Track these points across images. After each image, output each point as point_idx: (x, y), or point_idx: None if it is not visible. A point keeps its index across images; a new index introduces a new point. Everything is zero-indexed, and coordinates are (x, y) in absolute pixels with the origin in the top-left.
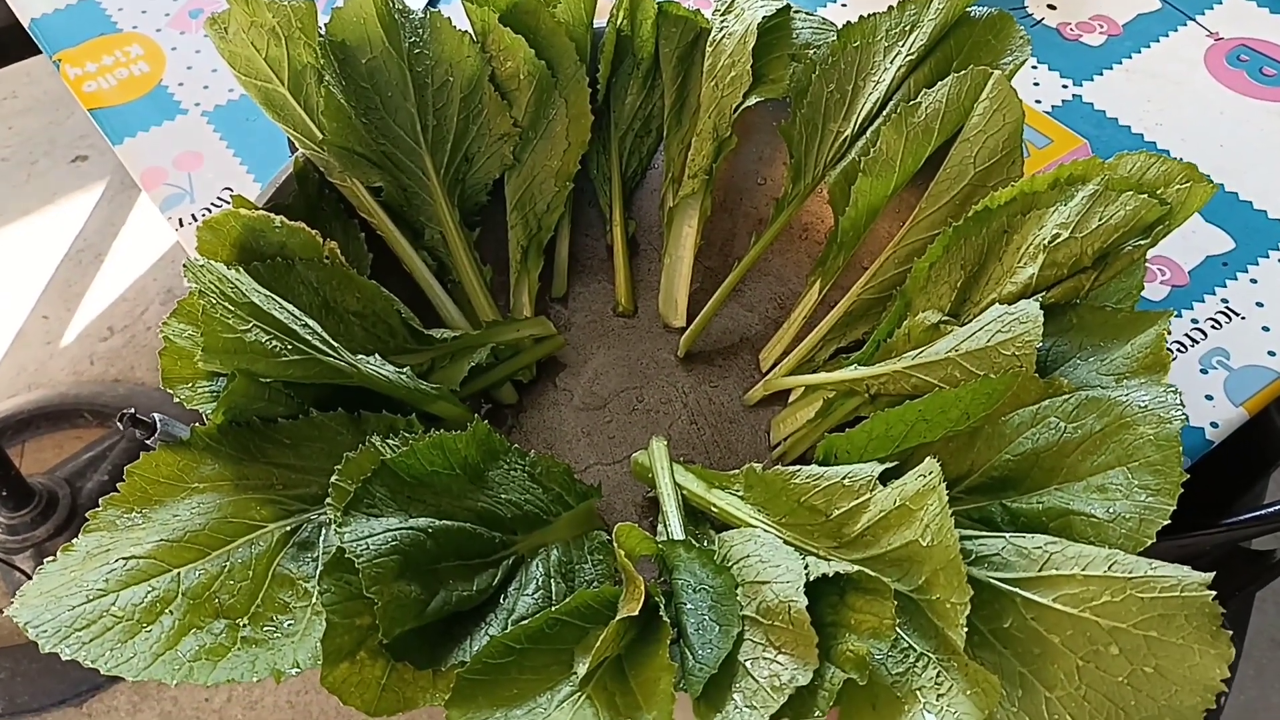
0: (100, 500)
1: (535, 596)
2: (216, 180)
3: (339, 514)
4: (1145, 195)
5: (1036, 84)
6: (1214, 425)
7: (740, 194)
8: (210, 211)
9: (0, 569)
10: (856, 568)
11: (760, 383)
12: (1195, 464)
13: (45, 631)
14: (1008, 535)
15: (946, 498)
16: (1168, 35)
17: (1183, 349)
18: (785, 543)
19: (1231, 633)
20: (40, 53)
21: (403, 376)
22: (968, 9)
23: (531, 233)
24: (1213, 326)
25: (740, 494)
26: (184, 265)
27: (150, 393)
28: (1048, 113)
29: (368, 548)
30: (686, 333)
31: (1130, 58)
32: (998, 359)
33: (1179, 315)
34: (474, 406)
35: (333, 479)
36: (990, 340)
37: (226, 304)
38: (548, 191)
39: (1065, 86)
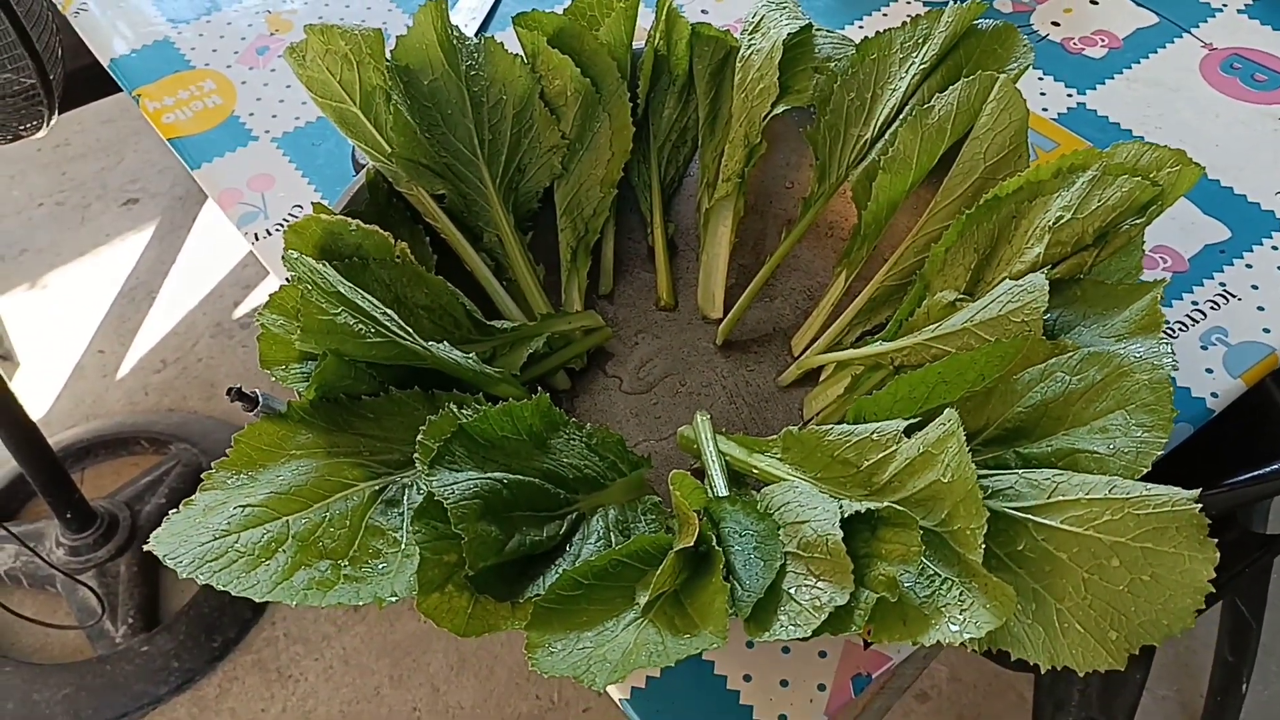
0: (212, 463)
1: (598, 545)
2: (287, 199)
3: (426, 466)
4: (1139, 178)
5: (1043, 94)
6: (1214, 395)
7: (770, 197)
8: (282, 227)
9: (63, 589)
10: (883, 504)
11: (794, 364)
12: (1197, 432)
13: (182, 562)
14: (1019, 471)
15: (964, 439)
16: (1165, 47)
17: (1184, 328)
18: (821, 492)
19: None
20: (99, 97)
21: (470, 360)
22: (975, 22)
23: (579, 235)
24: (1211, 307)
25: (778, 455)
26: (282, 256)
27: (203, 420)
28: (1054, 119)
29: (454, 492)
30: (724, 322)
31: (1130, 68)
32: (1008, 326)
33: (1180, 298)
34: (531, 392)
35: (419, 438)
36: (1001, 310)
37: (320, 290)
38: (593, 198)
39: (1070, 95)
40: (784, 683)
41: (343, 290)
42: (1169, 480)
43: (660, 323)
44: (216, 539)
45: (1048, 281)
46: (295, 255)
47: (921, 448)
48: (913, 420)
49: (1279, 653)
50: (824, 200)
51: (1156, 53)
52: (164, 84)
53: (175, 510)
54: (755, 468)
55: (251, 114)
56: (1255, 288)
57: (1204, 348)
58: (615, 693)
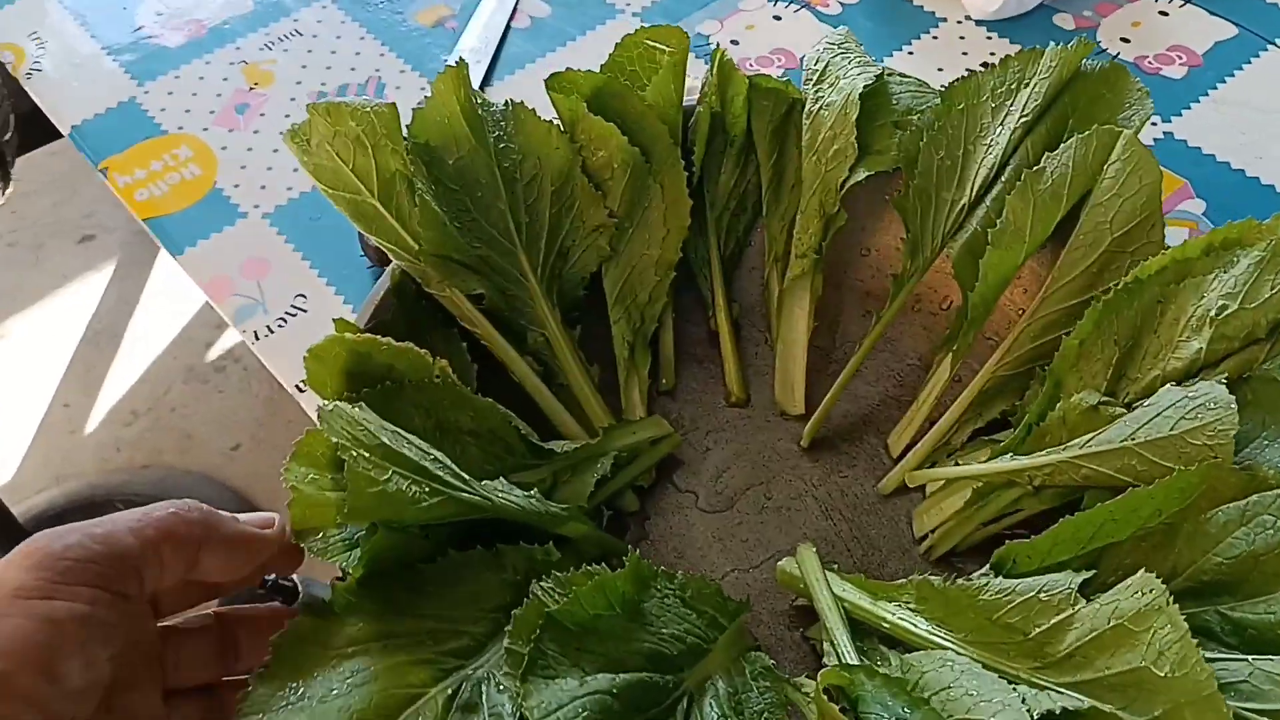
0: (249, 678)
1: None
2: (288, 286)
3: (519, 683)
4: None
5: None
6: None
7: (845, 267)
8: (285, 322)
9: None
10: (1087, 701)
11: (896, 471)
12: None
13: None
14: (1251, 659)
15: (1182, 621)
16: (1250, 62)
17: None
18: (986, 666)
19: None
20: (53, 139)
21: (534, 502)
22: (1081, 63)
23: (636, 326)
24: None
25: (912, 606)
26: (318, 411)
27: (180, 476)
28: None
29: None
30: (811, 421)
31: (1216, 88)
32: (1185, 449)
33: None
34: (596, 518)
35: (506, 643)
36: (1174, 428)
37: (365, 453)
38: (649, 281)
39: (1154, 124)
40: None
41: (386, 441)
42: None
43: (733, 422)
44: None
45: (1228, 389)
46: (331, 408)
47: (1112, 619)
48: (1074, 567)
49: None
50: (919, 276)
51: (1241, 69)
52: (133, 153)
53: None
54: (885, 620)
55: (236, 185)
56: None
57: None
58: None
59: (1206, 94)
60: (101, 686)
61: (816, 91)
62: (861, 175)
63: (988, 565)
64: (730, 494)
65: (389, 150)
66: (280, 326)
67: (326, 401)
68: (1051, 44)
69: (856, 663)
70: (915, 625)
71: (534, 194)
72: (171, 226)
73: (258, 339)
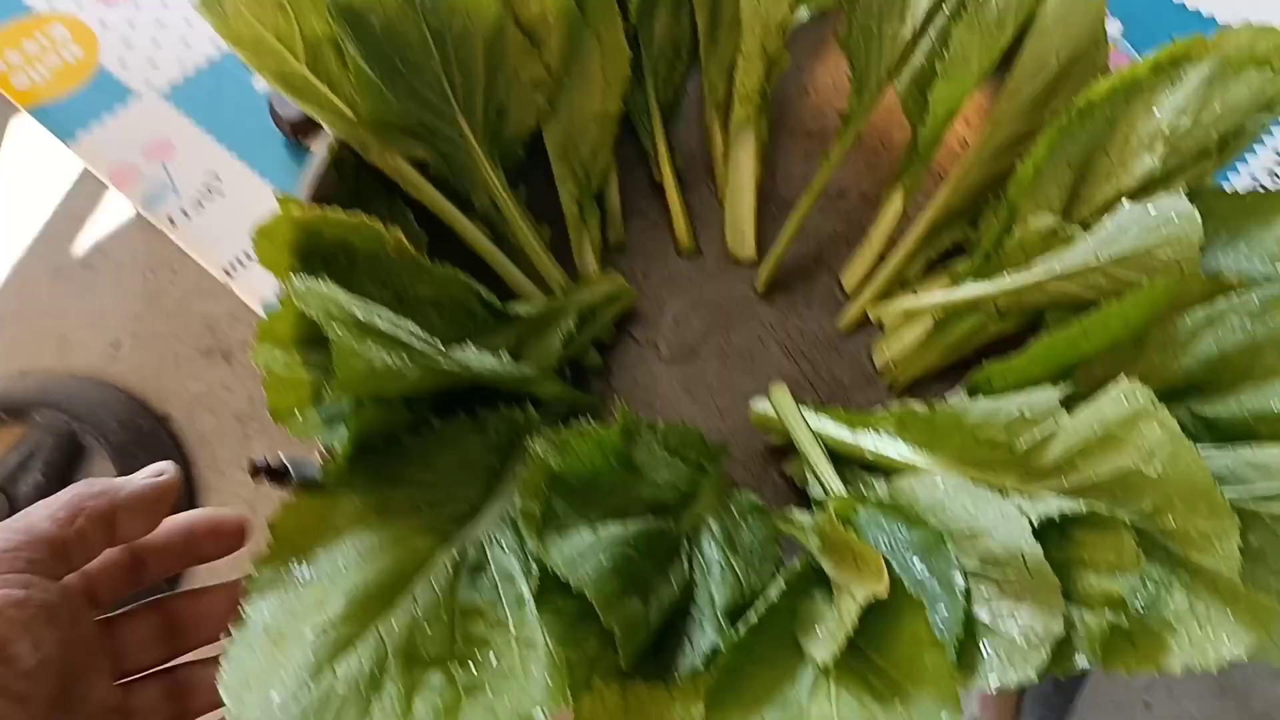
0: (253, 564)
1: (725, 580)
2: (199, 166)
3: (537, 541)
4: (1266, 70)
5: None
6: None
7: (784, 107)
8: (202, 205)
9: None
10: (1085, 504)
11: (855, 306)
12: None
13: None
14: (1233, 450)
15: (1173, 421)
16: None
17: None
18: (975, 481)
19: None
20: None
21: (508, 366)
22: None
23: (582, 183)
24: None
25: (892, 434)
26: (291, 292)
27: (64, 380)
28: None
29: (588, 574)
30: (765, 265)
31: None
32: (1151, 262)
33: None
34: (560, 378)
35: (519, 505)
36: (1139, 243)
37: (347, 328)
38: (590, 137)
39: None
40: None
41: (359, 315)
42: None
43: (686, 272)
44: (312, 678)
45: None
46: (305, 287)
47: (1099, 428)
48: (1049, 384)
49: None
50: (865, 114)
51: None
52: (3, 36)
53: (230, 639)
54: (867, 451)
55: (124, 65)
56: None
57: None
58: None
59: None
60: (53, 667)
61: None
62: (804, 14)
63: (959, 388)
64: (691, 343)
65: (311, 12)
66: (199, 210)
67: (289, 279)
68: None
69: (844, 492)
70: (899, 452)
71: (466, 52)
72: (59, 113)
73: (174, 224)
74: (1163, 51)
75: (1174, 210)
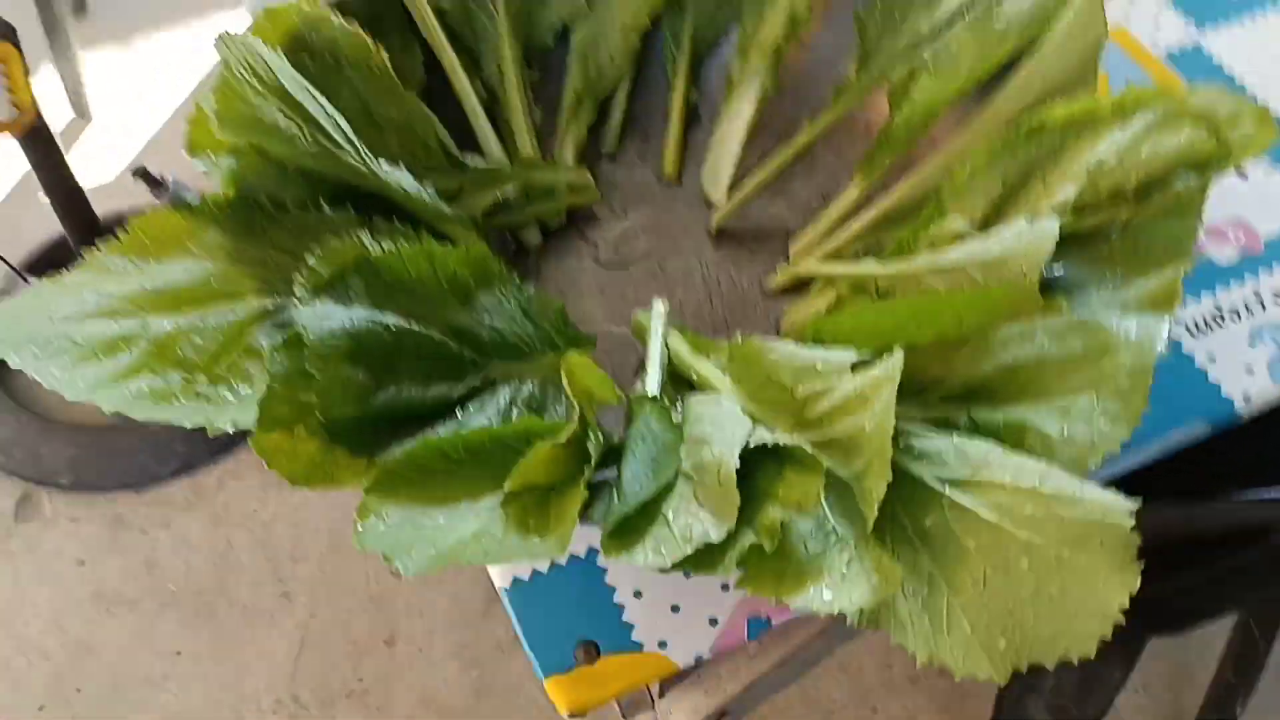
0: (98, 243)
1: (492, 418)
2: None
3: (306, 293)
4: (1203, 130)
5: (1159, 26)
6: (1246, 400)
7: (812, 82)
8: None
9: None
10: (795, 441)
11: (786, 271)
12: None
13: (4, 340)
14: (955, 437)
15: (896, 386)
16: None
17: (1236, 317)
18: (745, 413)
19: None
20: None
21: (422, 190)
22: None
23: (590, 81)
24: (1276, 301)
25: (722, 364)
26: (217, 36)
27: None
28: (1163, 57)
29: (321, 327)
30: (722, 208)
31: (1265, 10)
32: (1006, 271)
33: (1242, 281)
34: (500, 241)
35: (309, 260)
36: (1003, 251)
37: (253, 79)
38: (613, 43)
39: (1188, 27)
40: (675, 608)
41: (287, 85)
42: (1173, 481)
43: (658, 196)
44: (54, 323)
45: (1060, 228)
46: (236, 37)
47: (859, 387)
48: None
49: None
50: (860, 93)
51: None
52: None
53: (36, 280)
54: (697, 372)
55: None
56: None
57: (1252, 344)
58: (498, 579)
59: (1253, 11)
60: None
61: None
62: None
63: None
64: (629, 257)
65: None
66: None
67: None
68: None
69: (654, 394)
70: (716, 377)
71: None
72: None
73: None
74: (1129, 92)
75: (1040, 228)
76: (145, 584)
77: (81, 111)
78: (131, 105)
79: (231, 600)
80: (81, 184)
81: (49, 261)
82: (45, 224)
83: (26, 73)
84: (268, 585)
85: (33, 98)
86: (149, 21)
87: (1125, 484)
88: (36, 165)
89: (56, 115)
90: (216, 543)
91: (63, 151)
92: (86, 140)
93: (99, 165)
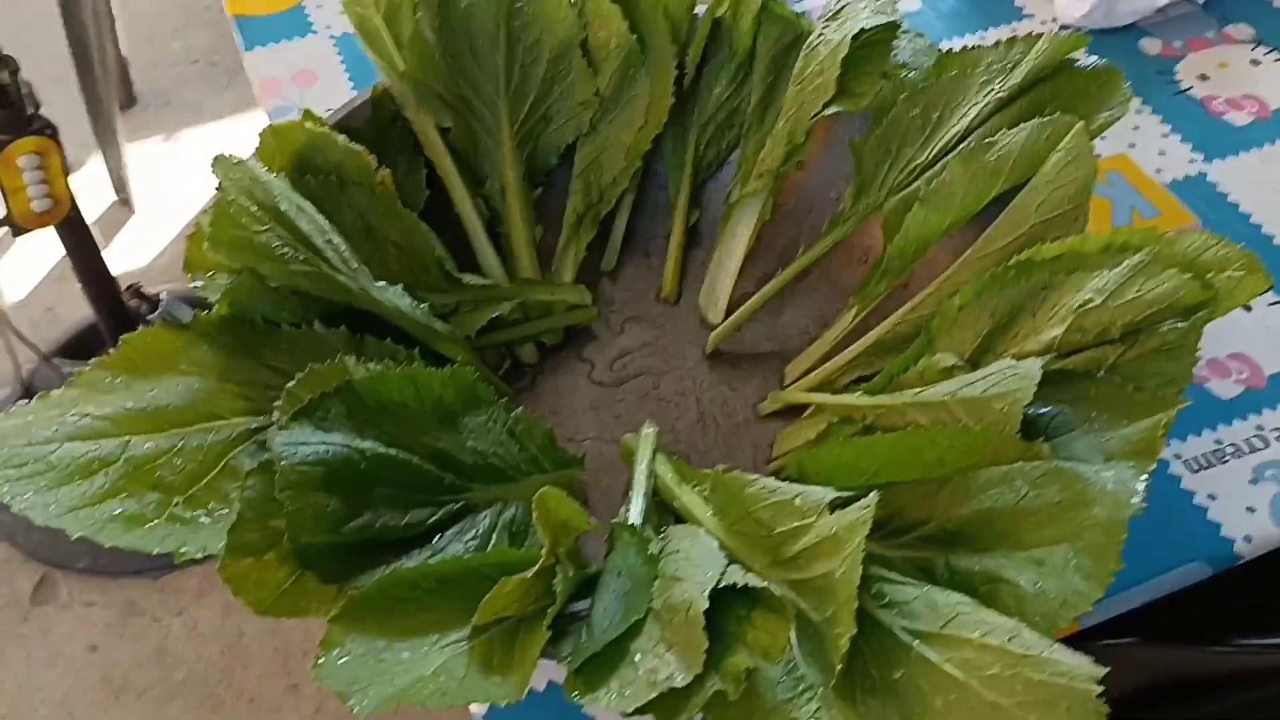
0: (91, 360)
1: (470, 545)
2: (325, 99)
3: (285, 419)
4: (1190, 276)
5: (1163, 153)
6: (1247, 540)
7: (810, 206)
8: None
9: None
10: (764, 583)
11: (779, 397)
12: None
13: None
14: (927, 587)
15: (867, 532)
16: None
17: (1239, 453)
18: (723, 549)
19: None
20: None
21: (417, 310)
22: (1071, 56)
23: (591, 202)
24: (1279, 438)
25: (705, 494)
26: (214, 158)
27: None
28: (1166, 185)
29: (294, 454)
30: (717, 331)
31: (1272, 144)
32: (988, 412)
33: (1245, 418)
34: (496, 358)
35: (289, 385)
36: (985, 391)
37: (247, 202)
38: (615, 164)
39: (1193, 161)
40: None
41: (283, 206)
42: (1172, 625)
43: (655, 315)
44: (30, 445)
45: (1042, 370)
46: (233, 161)
47: (834, 528)
48: (848, 493)
49: None
50: (856, 220)
51: None
52: None
53: (21, 402)
54: (679, 500)
55: (320, 6)
56: None
57: (1254, 481)
58: (475, 706)
59: (1261, 146)
60: None
61: (824, 28)
62: (831, 111)
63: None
64: (624, 375)
65: None
66: None
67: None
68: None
69: (636, 523)
70: (698, 508)
71: (532, 57)
72: (252, 27)
73: None
74: (1118, 232)
75: (1022, 370)
76: (155, 673)
77: (125, 201)
78: (174, 197)
79: (239, 692)
80: (121, 271)
81: (80, 344)
82: (80, 308)
83: (66, 169)
84: (276, 677)
85: (69, 191)
86: (194, 115)
87: (1131, 620)
88: (72, 253)
89: (100, 204)
90: (227, 632)
91: (101, 241)
92: (129, 230)
93: (138, 254)
